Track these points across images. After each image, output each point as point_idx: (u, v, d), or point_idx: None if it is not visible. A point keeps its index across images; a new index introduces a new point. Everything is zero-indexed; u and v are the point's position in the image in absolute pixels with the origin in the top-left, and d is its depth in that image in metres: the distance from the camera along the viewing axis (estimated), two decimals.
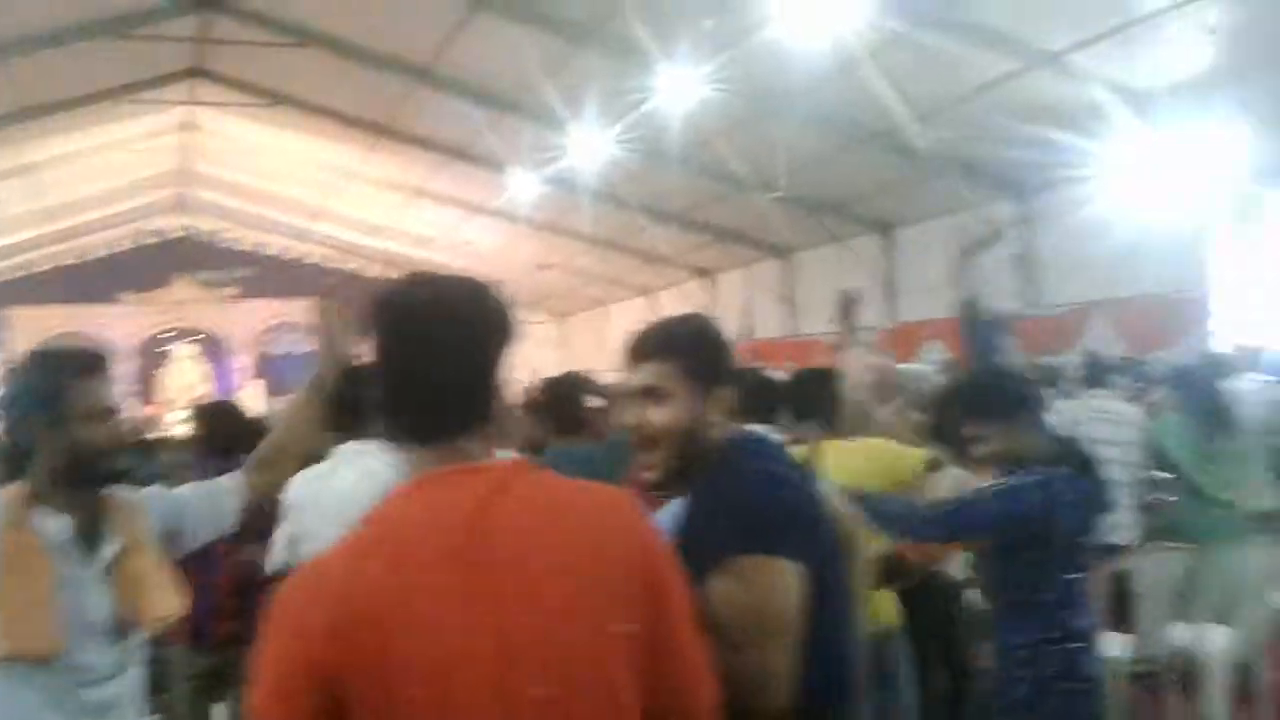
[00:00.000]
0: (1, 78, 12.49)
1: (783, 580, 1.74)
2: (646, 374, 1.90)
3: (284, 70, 14.01)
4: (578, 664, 1.35)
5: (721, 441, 1.91)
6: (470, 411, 1.44)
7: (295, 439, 2.68)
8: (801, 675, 1.74)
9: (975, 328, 4.31)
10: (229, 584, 3.87)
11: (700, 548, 1.74)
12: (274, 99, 15.20)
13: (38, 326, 23.23)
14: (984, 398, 3.13)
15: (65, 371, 2.30)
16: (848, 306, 4.10)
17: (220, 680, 3.90)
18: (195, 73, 14.99)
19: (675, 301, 22.44)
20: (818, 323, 16.84)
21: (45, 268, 23.52)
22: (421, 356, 1.43)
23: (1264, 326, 10.31)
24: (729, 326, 19.61)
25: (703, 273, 21.70)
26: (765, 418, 3.57)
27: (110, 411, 2.34)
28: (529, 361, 25.16)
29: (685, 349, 1.91)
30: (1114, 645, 4.50)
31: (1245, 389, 8.19)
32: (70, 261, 23.69)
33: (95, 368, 2.37)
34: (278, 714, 1.33)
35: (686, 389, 1.88)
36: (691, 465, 1.90)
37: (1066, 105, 10.34)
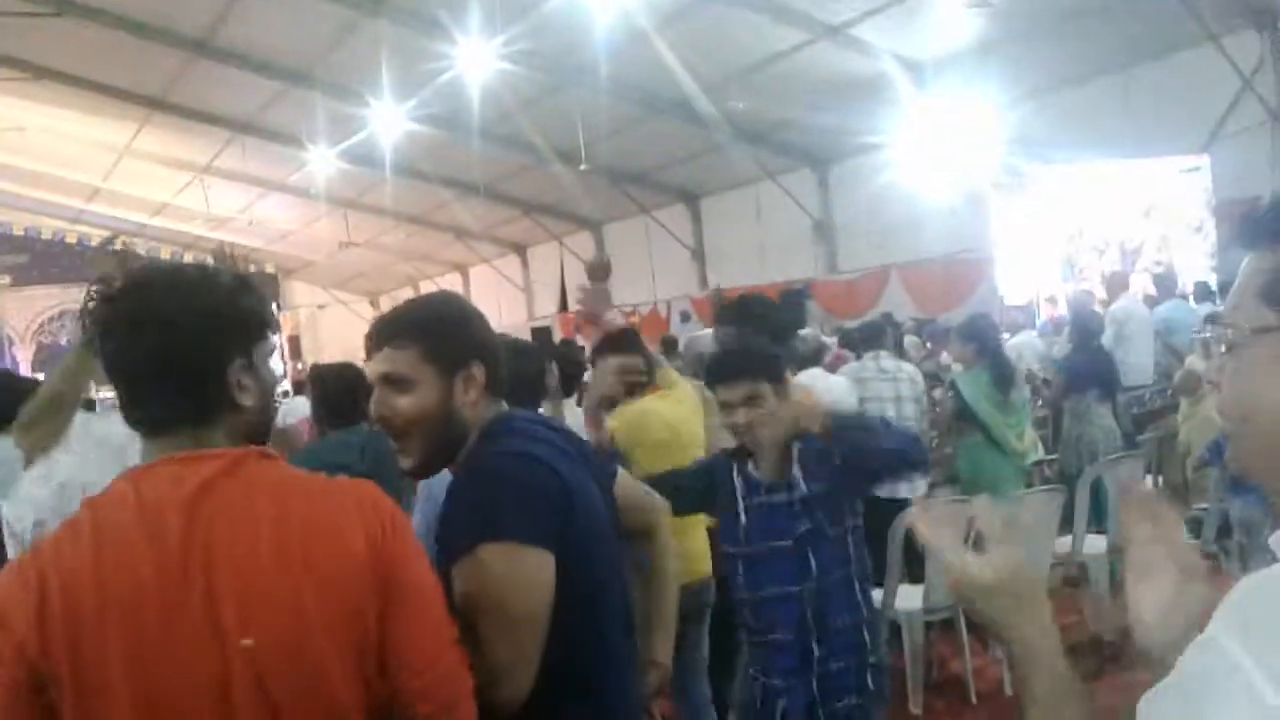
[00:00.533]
0: None
1: (522, 567, 1.66)
2: (384, 361, 1.81)
3: (44, 42, 12.91)
4: (285, 651, 1.34)
5: (480, 423, 1.82)
6: (191, 404, 1.44)
7: (74, 391, 2.68)
8: (545, 665, 1.67)
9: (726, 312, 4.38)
10: None
11: (448, 537, 1.70)
12: (35, 72, 14.01)
13: None
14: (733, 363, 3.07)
15: None
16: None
17: None
18: None
19: (488, 276, 22.15)
20: (632, 293, 16.95)
21: None
22: (133, 352, 1.43)
23: (1033, 286, 10.94)
24: (543, 298, 19.43)
25: (516, 247, 21.49)
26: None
27: None
28: (346, 341, 24.60)
29: (423, 332, 1.81)
30: (910, 597, 4.66)
31: (1019, 343, 8.67)
32: None
33: None
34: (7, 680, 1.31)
35: (429, 373, 1.79)
36: (450, 450, 1.82)
37: (854, 76, 10.65)
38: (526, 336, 14.18)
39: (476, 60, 10.76)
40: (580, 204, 16.87)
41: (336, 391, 3.86)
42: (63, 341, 23.15)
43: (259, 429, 1.51)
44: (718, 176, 15.26)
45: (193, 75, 13.39)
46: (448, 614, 1.49)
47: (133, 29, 12.20)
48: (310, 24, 11.17)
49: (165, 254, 23.67)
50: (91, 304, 1.52)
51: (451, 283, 23.17)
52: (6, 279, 22.60)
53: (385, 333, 1.83)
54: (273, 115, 14.42)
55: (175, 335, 1.42)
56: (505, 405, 1.90)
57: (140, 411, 1.45)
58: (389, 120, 12.95)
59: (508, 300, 21.59)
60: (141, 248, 23.56)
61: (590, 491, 1.85)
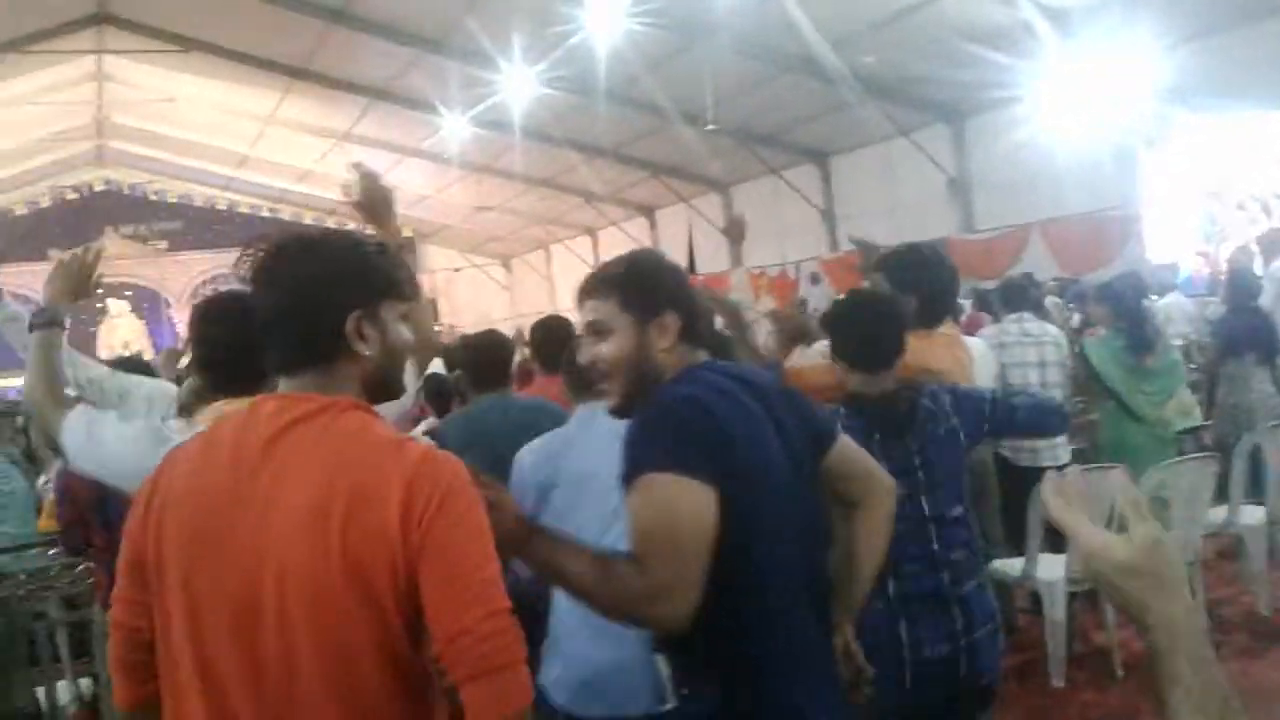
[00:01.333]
0: None
1: (675, 493, 1.75)
2: (589, 311, 2.01)
3: (194, 14, 13.47)
4: (307, 591, 1.46)
5: (673, 368, 1.97)
6: (310, 349, 1.60)
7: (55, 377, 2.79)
8: (710, 593, 1.74)
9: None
10: None
11: (622, 472, 1.82)
12: (186, 44, 14.63)
13: None
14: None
15: None
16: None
17: None
18: (101, 19, 14.38)
19: (616, 239, 22.24)
20: (761, 254, 16.78)
21: None
22: (265, 303, 1.62)
23: (1182, 243, 10.38)
24: (693, 259, 19.37)
25: (644, 209, 21.50)
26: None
27: None
28: (481, 303, 25.13)
29: (620, 285, 1.99)
30: (1052, 567, 4.51)
31: (1168, 305, 8.25)
32: None
33: None
34: (119, 587, 1.63)
35: (625, 321, 1.97)
36: (646, 392, 1.96)
37: (992, 26, 10.22)
38: None
39: (606, 21, 10.76)
40: (708, 165, 16.75)
41: (486, 359, 4.03)
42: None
43: (380, 379, 1.65)
44: (847, 134, 14.92)
45: (332, 44, 13.77)
46: (493, 582, 1.50)
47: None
48: None
49: (308, 219, 24.60)
50: (242, 262, 1.66)
51: (581, 246, 23.36)
52: (163, 244, 23.78)
53: (590, 286, 2.03)
54: (407, 82, 14.72)
55: (297, 288, 1.59)
56: (704, 354, 2.03)
57: (272, 354, 1.63)
58: (520, 84, 13.09)
59: None
60: (286, 213, 24.59)
61: (763, 443, 1.90)
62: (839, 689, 2.01)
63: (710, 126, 13.53)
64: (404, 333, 1.67)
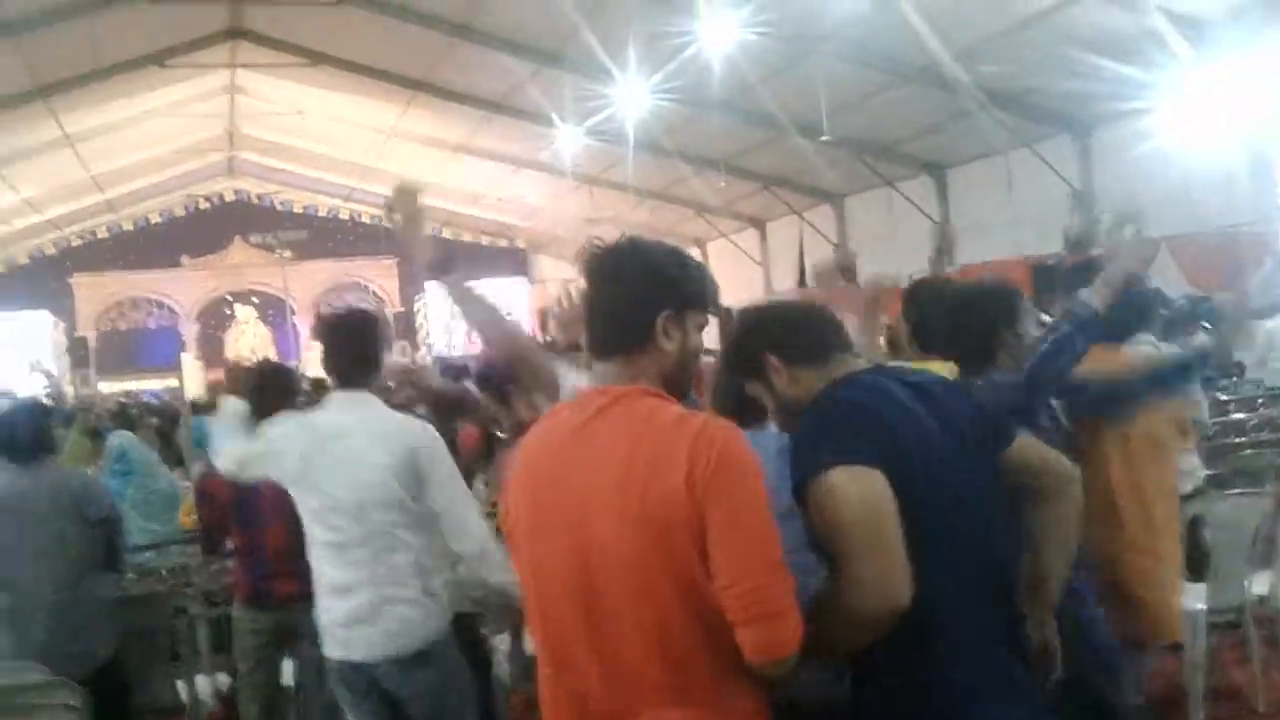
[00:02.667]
0: (35, 50, 12.61)
1: (849, 484, 1.81)
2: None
3: (323, 29, 13.98)
4: (620, 555, 1.69)
5: (808, 389, 2.05)
6: (625, 337, 1.83)
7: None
8: (915, 576, 1.79)
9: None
10: (277, 547, 3.92)
11: (795, 477, 1.91)
12: (314, 59, 15.19)
13: (100, 292, 23.82)
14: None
15: None
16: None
17: (287, 635, 3.97)
18: (234, 34, 15.02)
19: (726, 251, 22.21)
20: (873, 269, 16.52)
21: (105, 235, 23.99)
22: (598, 294, 1.88)
23: None
24: (780, 273, 19.20)
25: (754, 221, 21.43)
26: None
27: None
28: None
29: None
30: (1193, 596, 4.29)
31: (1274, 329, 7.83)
32: (127, 229, 24.12)
33: None
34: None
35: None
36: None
37: (1120, 35, 9.91)
38: None
39: (720, 33, 10.78)
40: (821, 177, 16.62)
41: None
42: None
43: (674, 376, 1.86)
44: (966, 146, 14.62)
45: (453, 58, 14.12)
46: (767, 538, 1.68)
47: (401, 14, 12.99)
48: (560, 5, 11.51)
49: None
50: (585, 256, 1.91)
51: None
52: (289, 253, 24.63)
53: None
54: (524, 95, 14.98)
55: (621, 282, 1.86)
56: (857, 359, 2.14)
57: (596, 339, 1.88)
58: (633, 96, 13.20)
59: (745, 276, 21.56)
60: None
61: (922, 433, 1.94)
62: (1017, 678, 1.97)
63: (824, 138, 13.43)
64: (699, 340, 1.89)
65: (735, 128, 14.54)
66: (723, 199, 19.04)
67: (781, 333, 2.12)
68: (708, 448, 1.67)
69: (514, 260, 26.44)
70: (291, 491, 3.22)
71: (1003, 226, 14.57)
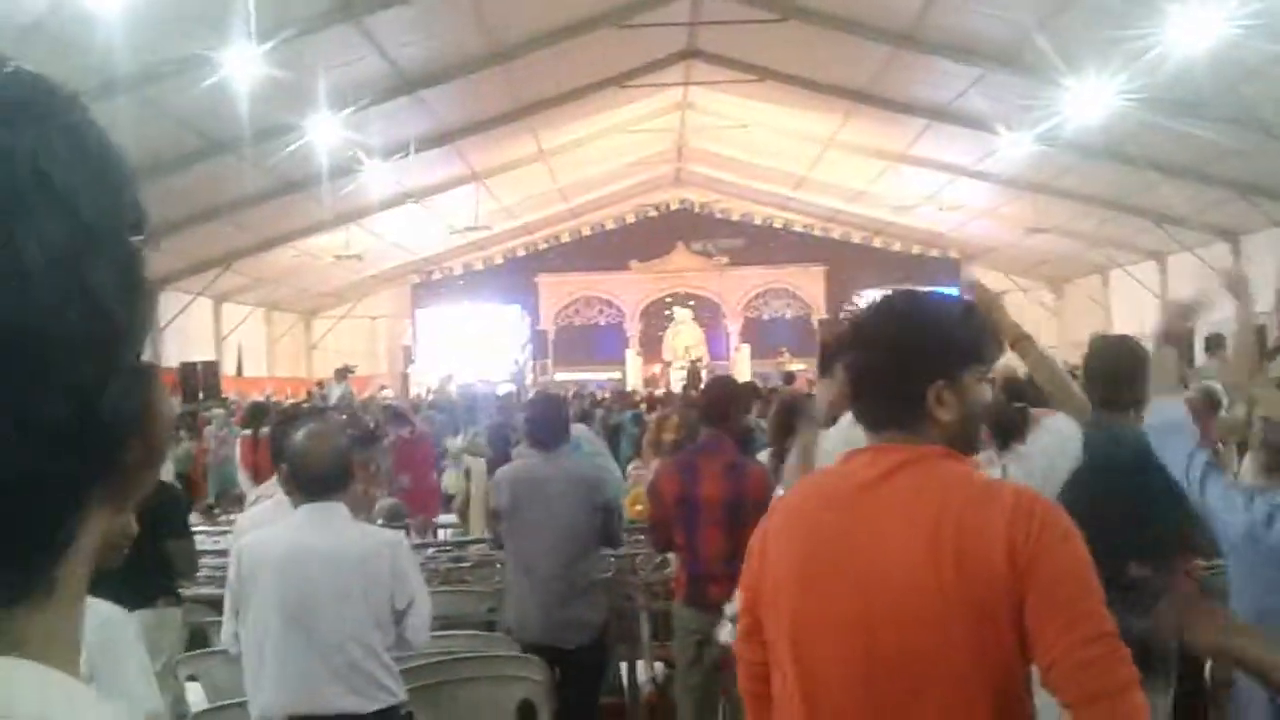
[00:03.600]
0: (518, 75, 14.19)
1: None
2: None
3: (769, 45, 14.44)
4: (921, 623, 1.58)
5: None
6: (894, 411, 1.74)
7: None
8: None
9: None
10: (711, 551, 4.15)
11: None
12: (760, 74, 15.74)
13: (560, 291, 26.33)
14: None
15: None
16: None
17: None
18: (689, 54, 15.95)
19: (1189, 265, 20.07)
20: None
21: (566, 240, 26.51)
22: (859, 363, 1.82)
23: None
24: (1257, 292, 17.20)
25: (1224, 233, 19.17)
26: None
27: None
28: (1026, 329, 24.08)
29: None
30: None
31: None
32: (585, 234, 26.48)
33: None
34: (742, 625, 1.88)
35: None
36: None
37: None
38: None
39: (1199, 28, 9.77)
40: None
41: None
42: (764, 316, 25.83)
43: (957, 439, 1.74)
44: None
45: (897, 66, 14.01)
46: (1097, 607, 1.56)
47: (847, 27, 13.11)
48: (1017, 7, 11.01)
49: (856, 238, 25.27)
50: (842, 326, 1.89)
51: (1145, 272, 21.42)
52: (724, 259, 25.72)
53: None
54: (967, 101, 14.51)
55: (889, 353, 1.76)
56: None
57: (861, 409, 1.82)
58: (1090, 101, 12.33)
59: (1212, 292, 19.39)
60: (835, 233, 25.46)
61: None
62: None
63: None
64: (985, 393, 1.83)
65: (1209, 130, 13.09)
66: (1188, 208, 17.23)
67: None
68: (1027, 521, 1.58)
69: (946, 270, 25.73)
70: None
71: None
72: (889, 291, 1.88)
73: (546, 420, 4.64)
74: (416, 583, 3.22)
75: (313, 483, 3.18)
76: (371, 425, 9.69)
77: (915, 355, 1.74)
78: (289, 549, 3.14)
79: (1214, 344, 10.58)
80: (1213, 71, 10.70)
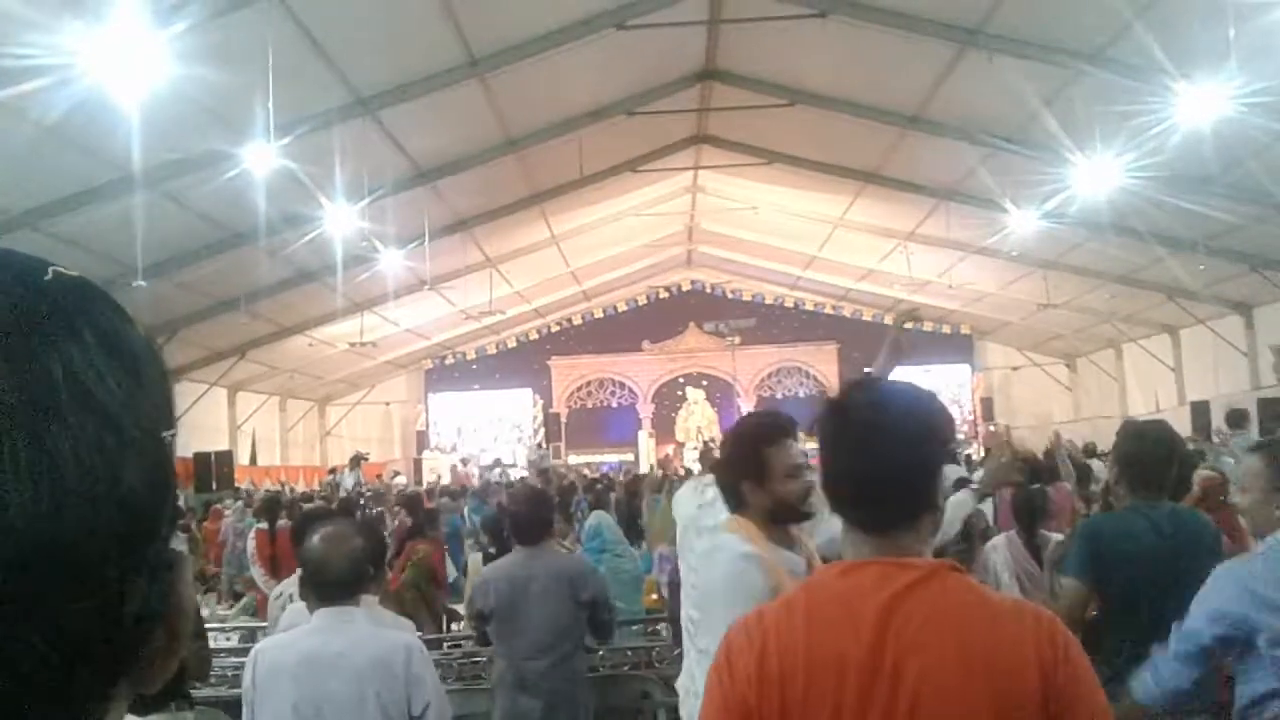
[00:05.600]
0: (531, 163, 14.41)
1: None
2: None
3: (777, 129, 14.66)
4: None
5: None
6: (907, 506, 1.65)
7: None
8: None
9: None
10: None
11: None
12: (769, 157, 15.95)
13: (572, 373, 26.39)
14: None
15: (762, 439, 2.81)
16: None
17: None
18: (698, 139, 16.20)
19: (1203, 339, 20.04)
20: None
21: (578, 322, 26.65)
22: (855, 456, 1.67)
23: None
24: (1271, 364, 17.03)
25: (1238, 306, 19.17)
26: None
27: (800, 468, 2.79)
28: (1039, 404, 24.07)
29: None
30: None
31: None
32: (597, 316, 26.63)
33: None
34: None
35: None
36: None
37: None
38: (1249, 406, 12.54)
39: (1202, 106, 9.89)
40: None
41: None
42: (777, 395, 25.80)
43: (935, 531, 1.71)
44: None
45: (905, 147, 14.18)
46: None
47: (854, 110, 13.31)
48: (1021, 87, 11.18)
49: (867, 316, 25.33)
50: (826, 404, 1.73)
51: (1159, 345, 21.39)
52: (737, 339, 25.79)
53: None
54: (975, 180, 14.65)
55: (903, 448, 1.63)
56: None
57: (861, 511, 1.67)
58: (1097, 176, 12.43)
59: (1226, 365, 19.32)
60: (846, 311, 25.55)
61: None
62: None
63: None
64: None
65: (1216, 205, 13.16)
66: (1200, 282, 17.25)
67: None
68: (1052, 649, 1.55)
69: (958, 346, 25.74)
70: None
71: None
72: (872, 383, 1.83)
73: (528, 516, 4.60)
74: (433, 685, 3.15)
75: (328, 587, 3.15)
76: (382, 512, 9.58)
77: (929, 444, 1.67)
78: (305, 654, 3.08)
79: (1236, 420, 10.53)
80: (1218, 147, 10.81)
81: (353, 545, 3.21)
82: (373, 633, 3.20)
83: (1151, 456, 3.45)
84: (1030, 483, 5.80)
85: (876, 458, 1.64)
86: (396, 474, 20.99)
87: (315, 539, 3.21)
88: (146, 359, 0.57)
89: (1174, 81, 9.74)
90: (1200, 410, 16.63)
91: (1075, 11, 10.18)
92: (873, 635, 1.56)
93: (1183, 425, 14.62)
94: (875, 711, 1.54)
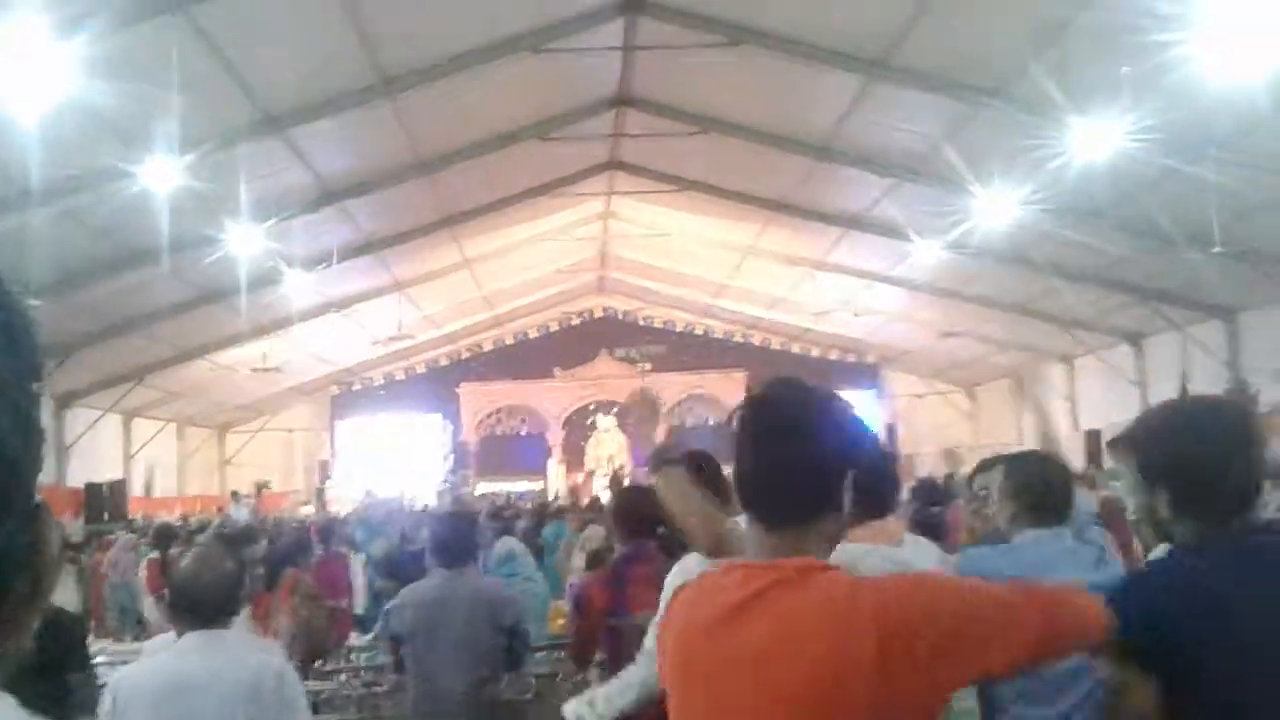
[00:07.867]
0: (442, 186, 14.32)
1: None
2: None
3: (689, 157, 14.84)
4: None
5: None
6: (795, 508, 1.61)
7: None
8: None
9: None
10: None
11: None
12: (681, 184, 16.12)
13: (482, 400, 26.14)
14: None
15: None
16: None
17: None
18: (612, 165, 16.29)
19: (1095, 368, 20.79)
20: (1274, 392, 14.83)
21: (489, 348, 26.45)
22: (753, 454, 1.65)
23: None
24: (1161, 394, 17.73)
25: (1129, 336, 19.94)
26: None
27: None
28: (941, 431, 24.44)
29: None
30: None
31: None
32: (509, 342, 26.46)
33: None
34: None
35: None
36: None
37: None
38: None
39: (1096, 142, 10.30)
40: (1211, 290, 15.22)
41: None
42: (687, 423, 25.94)
43: (840, 534, 1.69)
44: None
45: (814, 178, 14.47)
46: (982, 604, 1.57)
47: (764, 139, 13.54)
48: (927, 120, 11.51)
49: (776, 344, 25.66)
50: (743, 401, 1.73)
51: (1055, 375, 22.11)
52: (648, 365, 25.89)
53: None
54: (881, 210, 15.03)
55: (814, 442, 1.62)
56: None
57: (757, 510, 1.65)
58: (996, 209, 12.85)
59: (1117, 393, 20.04)
60: (756, 339, 25.87)
61: None
62: None
63: (1216, 249, 12.33)
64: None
65: (1110, 237, 13.71)
66: (1093, 312, 17.92)
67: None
68: (884, 610, 1.49)
69: (864, 374, 26.23)
70: None
71: None
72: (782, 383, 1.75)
73: (452, 538, 4.52)
74: (304, 712, 3.07)
75: (199, 607, 3.02)
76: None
77: (840, 440, 1.64)
78: (167, 681, 2.95)
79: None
80: (1112, 182, 11.25)
81: (224, 567, 3.11)
82: (242, 656, 3.07)
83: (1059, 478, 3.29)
84: (929, 505, 6.03)
85: (772, 457, 1.63)
86: (306, 504, 20.50)
87: (185, 559, 3.12)
88: (16, 314, 0.59)
89: (1070, 116, 10.13)
90: (1093, 438, 17.21)
91: (978, 46, 10.54)
92: (729, 629, 1.58)
93: (1076, 453, 15.13)
94: (729, 700, 1.57)
